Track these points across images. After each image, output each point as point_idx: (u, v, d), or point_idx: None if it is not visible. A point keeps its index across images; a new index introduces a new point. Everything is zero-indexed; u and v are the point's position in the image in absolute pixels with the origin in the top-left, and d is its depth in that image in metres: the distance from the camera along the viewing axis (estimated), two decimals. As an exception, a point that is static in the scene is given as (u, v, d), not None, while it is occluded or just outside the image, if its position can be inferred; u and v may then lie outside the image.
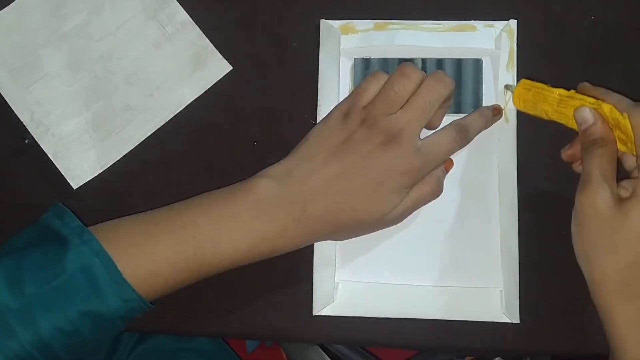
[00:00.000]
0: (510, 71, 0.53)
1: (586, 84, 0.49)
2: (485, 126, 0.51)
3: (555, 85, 0.49)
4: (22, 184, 0.54)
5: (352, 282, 0.51)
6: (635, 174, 0.46)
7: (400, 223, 0.49)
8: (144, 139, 0.54)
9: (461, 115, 0.51)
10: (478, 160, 0.52)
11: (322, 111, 0.53)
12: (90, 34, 0.55)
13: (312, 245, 0.51)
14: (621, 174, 0.47)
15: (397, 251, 0.52)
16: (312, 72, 0.54)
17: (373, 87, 0.48)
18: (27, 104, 0.54)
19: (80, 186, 0.53)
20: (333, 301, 0.51)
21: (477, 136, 0.51)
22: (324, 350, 0.78)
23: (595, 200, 0.44)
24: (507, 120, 0.52)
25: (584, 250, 0.45)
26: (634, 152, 0.44)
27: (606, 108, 0.45)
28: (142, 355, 0.66)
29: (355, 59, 0.54)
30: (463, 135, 0.49)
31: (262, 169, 0.48)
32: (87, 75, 0.54)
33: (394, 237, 0.52)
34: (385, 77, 0.49)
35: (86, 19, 0.55)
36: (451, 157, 0.51)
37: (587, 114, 0.46)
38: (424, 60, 0.53)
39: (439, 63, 0.53)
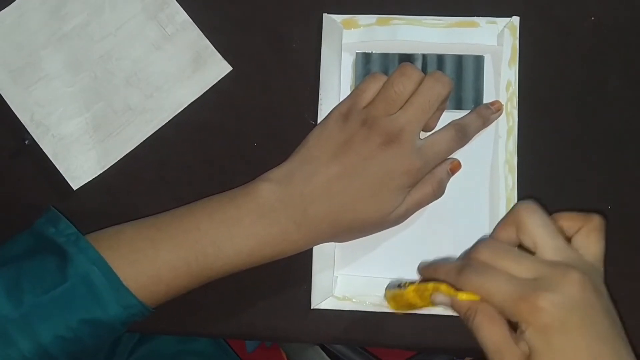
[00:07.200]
0: (512, 68, 0.52)
1: (420, 265, 0.47)
2: (484, 125, 0.51)
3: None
4: (22, 185, 0.54)
5: (351, 276, 0.51)
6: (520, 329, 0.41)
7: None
8: (144, 139, 0.54)
9: (462, 112, 0.52)
10: (478, 159, 0.52)
11: (324, 106, 0.52)
12: (91, 34, 0.55)
13: (312, 245, 0.51)
14: None
15: (397, 251, 0.52)
16: (312, 72, 0.54)
17: (372, 88, 0.48)
18: (27, 105, 0.54)
19: (80, 187, 0.53)
20: (332, 294, 0.51)
21: (477, 135, 0.51)
22: (324, 351, 0.78)
23: None
24: (508, 118, 0.52)
25: None
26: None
27: (443, 289, 0.43)
28: (141, 358, 0.65)
29: (357, 53, 0.54)
30: (462, 135, 0.49)
31: (263, 169, 0.48)
32: (87, 76, 0.54)
33: (393, 237, 0.52)
34: (384, 78, 0.49)
35: (86, 19, 0.55)
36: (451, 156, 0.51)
37: (441, 299, 0.43)
38: (425, 56, 0.53)
39: (441, 59, 0.53)
